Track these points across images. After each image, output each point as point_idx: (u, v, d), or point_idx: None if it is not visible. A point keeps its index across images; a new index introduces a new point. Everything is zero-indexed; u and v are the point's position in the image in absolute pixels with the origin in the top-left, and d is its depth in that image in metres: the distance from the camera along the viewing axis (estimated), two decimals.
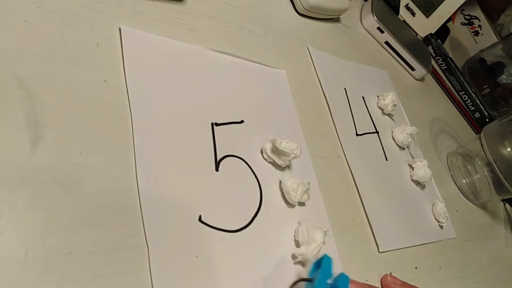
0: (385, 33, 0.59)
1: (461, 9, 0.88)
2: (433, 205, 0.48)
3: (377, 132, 0.48)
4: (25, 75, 0.23)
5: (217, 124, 0.31)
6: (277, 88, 0.39)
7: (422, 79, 0.66)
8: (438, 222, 0.47)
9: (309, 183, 0.33)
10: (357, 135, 0.44)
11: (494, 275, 0.52)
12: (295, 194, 0.32)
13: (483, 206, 0.60)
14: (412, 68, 0.63)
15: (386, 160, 0.47)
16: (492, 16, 0.93)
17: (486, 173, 0.54)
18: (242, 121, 0.33)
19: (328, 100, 0.43)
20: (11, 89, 0.23)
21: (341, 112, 0.44)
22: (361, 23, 0.59)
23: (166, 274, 0.23)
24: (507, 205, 0.66)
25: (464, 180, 0.57)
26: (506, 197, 0.56)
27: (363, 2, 0.61)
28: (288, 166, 0.34)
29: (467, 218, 0.55)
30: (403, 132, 0.49)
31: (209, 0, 0.38)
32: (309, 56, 0.45)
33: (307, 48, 0.45)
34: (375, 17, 0.57)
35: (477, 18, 0.89)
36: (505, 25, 0.92)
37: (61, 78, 0.25)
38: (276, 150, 0.32)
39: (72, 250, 0.21)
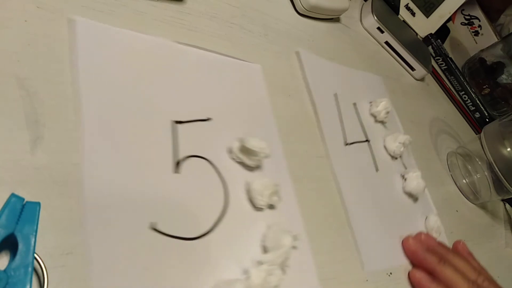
0: (385, 33, 0.59)
1: (461, 9, 0.88)
2: (426, 218, 0.45)
3: (367, 141, 0.45)
4: (25, 75, 0.23)
5: (179, 122, 0.29)
6: (251, 83, 0.36)
7: (422, 79, 0.66)
8: None
9: (278, 185, 0.31)
10: (346, 144, 0.42)
11: (494, 275, 0.52)
12: (261, 197, 0.29)
13: (483, 206, 0.60)
14: (412, 68, 0.63)
15: (377, 170, 0.44)
16: (492, 16, 0.93)
17: (486, 173, 0.54)
18: (208, 119, 0.31)
19: (316, 106, 0.41)
20: (11, 89, 0.23)
21: (330, 120, 0.42)
22: (361, 23, 0.59)
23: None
24: (507, 205, 0.66)
25: (464, 180, 0.57)
26: (506, 197, 0.56)
27: (363, 2, 0.61)
28: (259, 167, 0.32)
29: (467, 218, 0.55)
30: (395, 141, 0.46)
31: (209, 0, 0.38)
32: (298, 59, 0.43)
33: (298, 51, 0.43)
34: (375, 17, 0.57)
35: (477, 18, 0.89)
36: (505, 25, 0.92)
37: (61, 78, 0.25)
38: (244, 149, 0.30)
39: (72, 250, 0.21)
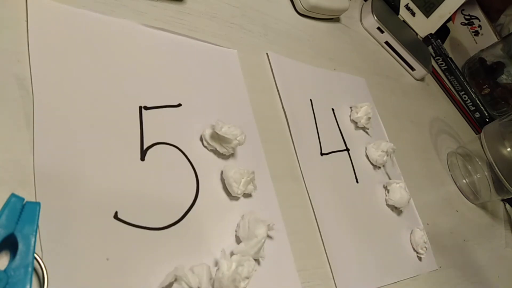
0: (385, 33, 0.59)
1: (461, 9, 0.88)
2: (411, 232, 0.42)
3: (347, 149, 0.42)
4: (25, 75, 0.23)
5: (146, 108, 0.28)
6: (226, 69, 0.35)
7: (422, 79, 0.66)
8: (417, 253, 0.41)
9: (253, 172, 0.29)
10: (322, 154, 0.39)
11: (494, 275, 0.52)
12: (238, 185, 0.28)
13: (483, 206, 0.60)
14: (412, 68, 0.63)
15: (357, 182, 0.41)
16: (492, 16, 0.93)
17: (486, 173, 0.54)
18: (179, 105, 0.30)
19: (287, 115, 0.37)
20: (11, 89, 0.23)
21: (304, 128, 0.38)
22: (361, 23, 0.59)
23: (65, 280, 0.20)
24: (507, 205, 0.66)
25: (464, 180, 0.57)
26: (506, 197, 0.56)
27: (363, 2, 0.61)
28: (233, 154, 0.31)
29: (467, 218, 0.55)
30: (378, 149, 0.43)
31: (209, 0, 0.38)
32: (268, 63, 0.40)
33: (267, 53, 0.40)
34: (375, 17, 0.57)
35: (477, 18, 0.89)
36: (505, 25, 0.92)
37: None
38: (216, 136, 0.29)
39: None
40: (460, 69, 0.77)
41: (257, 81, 0.37)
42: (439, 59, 0.75)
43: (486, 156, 0.53)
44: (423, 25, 0.70)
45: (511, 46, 0.75)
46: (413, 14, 0.69)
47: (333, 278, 0.32)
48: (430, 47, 0.73)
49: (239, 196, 0.29)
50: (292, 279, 0.30)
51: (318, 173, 0.37)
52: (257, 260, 0.27)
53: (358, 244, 0.36)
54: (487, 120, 0.72)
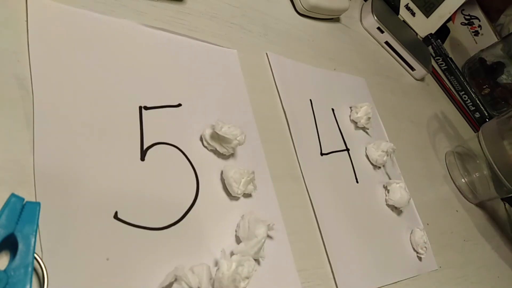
0: (385, 33, 0.59)
1: (461, 9, 0.88)
2: (411, 232, 0.42)
3: (347, 149, 0.42)
4: (25, 75, 0.23)
5: (146, 108, 0.28)
6: (226, 69, 0.35)
7: (422, 79, 0.66)
8: (417, 253, 0.41)
9: (253, 172, 0.29)
10: (322, 154, 0.39)
11: (494, 275, 0.52)
12: (238, 185, 0.28)
13: (482, 206, 0.60)
14: (412, 68, 0.63)
15: (357, 182, 0.41)
16: (492, 16, 0.93)
17: (485, 172, 0.54)
18: (179, 105, 0.30)
19: (287, 115, 0.37)
20: (11, 89, 0.23)
21: (303, 128, 0.38)
22: (361, 23, 0.59)
23: (65, 280, 0.20)
24: (507, 205, 0.66)
25: (463, 180, 0.57)
26: (506, 196, 0.56)
27: (363, 2, 0.61)
28: (233, 154, 0.31)
29: (467, 218, 0.55)
30: (378, 149, 0.43)
31: (209, 0, 0.38)
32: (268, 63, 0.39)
33: (267, 53, 0.40)
34: (375, 17, 0.57)
35: (477, 18, 0.89)
36: (505, 25, 0.92)
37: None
38: (216, 136, 0.29)
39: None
40: (460, 69, 0.77)
41: (257, 81, 0.37)
42: (439, 59, 0.75)
43: (485, 155, 0.53)
44: (423, 25, 0.70)
45: (511, 46, 0.75)
46: (413, 14, 0.69)
47: (334, 278, 0.32)
48: (430, 47, 0.73)
49: (239, 196, 0.29)
50: (292, 279, 0.30)
51: (318, 173, 0.37)
52: (257, 260, 0.28)
53: (358, 244, 0.36)
54: (487, 120, 0.72)
